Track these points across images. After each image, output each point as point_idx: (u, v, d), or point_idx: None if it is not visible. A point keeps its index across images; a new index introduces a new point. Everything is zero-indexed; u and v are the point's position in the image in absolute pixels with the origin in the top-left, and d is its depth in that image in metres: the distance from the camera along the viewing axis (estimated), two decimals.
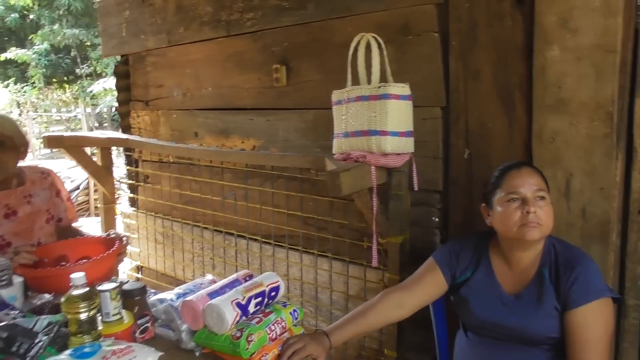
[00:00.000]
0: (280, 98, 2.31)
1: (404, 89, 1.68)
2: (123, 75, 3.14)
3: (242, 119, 2.50)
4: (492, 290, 1.44)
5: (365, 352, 2.13)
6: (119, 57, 3.27)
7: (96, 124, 15.37)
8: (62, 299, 1.25)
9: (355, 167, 1.67)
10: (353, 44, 1.76)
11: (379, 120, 1.67)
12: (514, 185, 1.38)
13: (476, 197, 1.77)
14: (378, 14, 1.89)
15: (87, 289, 1.26)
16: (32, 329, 1.25)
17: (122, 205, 3.66)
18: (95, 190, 6.28)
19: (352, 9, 1.95)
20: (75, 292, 1.24)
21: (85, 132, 4.77)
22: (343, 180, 1.59)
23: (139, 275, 3.18)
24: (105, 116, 15.64)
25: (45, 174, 2.05)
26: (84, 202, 6.55)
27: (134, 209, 3.20)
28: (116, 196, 3.07)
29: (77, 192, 6.40)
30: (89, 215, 6.44)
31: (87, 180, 6.24)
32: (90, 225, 4.48)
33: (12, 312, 1.32)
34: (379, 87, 1.67)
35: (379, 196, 1.74)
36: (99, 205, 3.02)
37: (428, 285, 1.53)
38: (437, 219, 1.92)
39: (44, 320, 1.28)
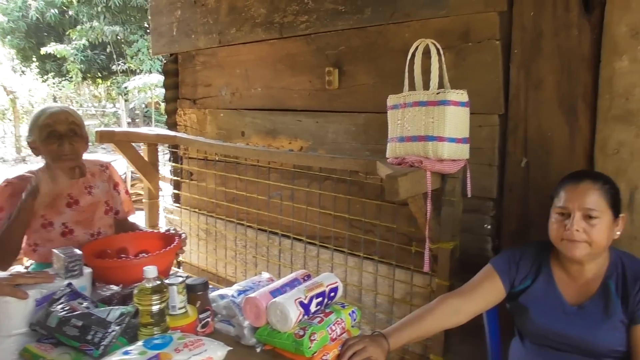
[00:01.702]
0: (331, 100, 2.33)
1: (462, 95, 1.68)
2: (171, 73, 3.21)
3: (290, 120, 2.53)
4: (553, 300, 1.44)
5: (409, 356, 2.13)
6: (157, 56, 3.34)
7: (129, 120, 15.65)
8: (135, 291, 1.29)
9: (411, 172, 1.67)
10: (412, 49, 1.76)
11: (436, 126, 1.67)
12: (565, 198, 1.39)
13: (532, 205, 1.77)
14: (438, 20, 1.90)
15: (159, 282, 1.30)
16: (106, 319, 1.29)
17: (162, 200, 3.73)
18: (132, 185, 6.40)
19: (412, 15, 1.96)
20: (148, 284, 1.28)
21: (133, 128, 4.85)
22: (401, 184, 1.60)
23: (180, 270, 3.24)
24: (137, 112, 15.92)
25: (104, 167, 2.11)
26: None
27: (177, 205, 3.27)
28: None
29: None
30: None
31: (124, 175, 6.35)
32: None
33: (85, 301, 1.37)
34: (437, 93, 1.67)
35: (432, 201, 1.75)
36: (143, 200, 3.09)
37: (486, 292, 1.53)
38: (489, 227, 1.91)
39: (116, 310, 1.32)
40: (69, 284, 1.41)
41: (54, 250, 1.50)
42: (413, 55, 1.75)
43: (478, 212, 1.92)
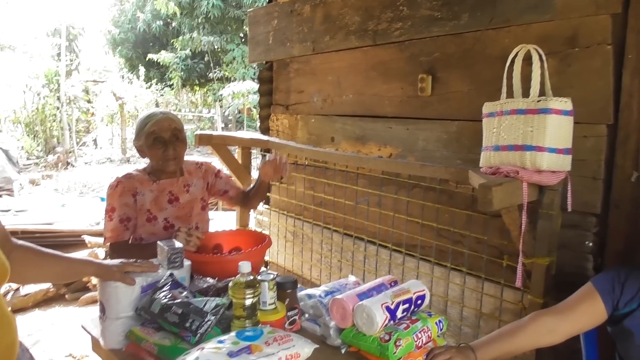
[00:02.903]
0: (423, 108, 2.31)
1: (566, 103, 1.60)
2: (266, 80, 3.33)
3: (380, 127, 2.54)
4: None
5: None
6: (251, 64, 3.48)
7: (222, 125, 16.44)
8: (230, 284, 1.36)
9: (506, 182, 1.61)
10: (511, 56, 1.70)
11: (535, 135, 1.60)
12: None
13: None
14: (541, 24, 1.82)
15: (252, 277, 1.36)
16: (203, 309, 1.36)
17: None
18: None
19: (512, 20, 1.89)
20: (242, 279, 1.35)
21: (229, 132, 5.11)
22: (495, 194, 1.55)
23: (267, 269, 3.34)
24: (230, 118, 16.68)
25: (199, 165, 2.28)
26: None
27: (267, 206, 3.38)
28: None
29: None
30: (216, 209, 6.86)
31: None
32: (219, 220, 4.78)
33: (185, 291, 1.46)
34: (538, 101, 1.61)
35: (528, 214, 1.67)
36: None
37: (585, 313, 1.43)
38: (590, 244, 1.79)
39: (212, 302, 1.40)
40: (171, 274, 1.52)
41: (159, 243, 1.62)
42: (512, 61, 1.69)
43: (578, 228, 1.81)
